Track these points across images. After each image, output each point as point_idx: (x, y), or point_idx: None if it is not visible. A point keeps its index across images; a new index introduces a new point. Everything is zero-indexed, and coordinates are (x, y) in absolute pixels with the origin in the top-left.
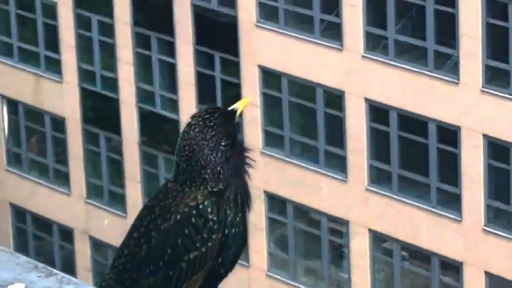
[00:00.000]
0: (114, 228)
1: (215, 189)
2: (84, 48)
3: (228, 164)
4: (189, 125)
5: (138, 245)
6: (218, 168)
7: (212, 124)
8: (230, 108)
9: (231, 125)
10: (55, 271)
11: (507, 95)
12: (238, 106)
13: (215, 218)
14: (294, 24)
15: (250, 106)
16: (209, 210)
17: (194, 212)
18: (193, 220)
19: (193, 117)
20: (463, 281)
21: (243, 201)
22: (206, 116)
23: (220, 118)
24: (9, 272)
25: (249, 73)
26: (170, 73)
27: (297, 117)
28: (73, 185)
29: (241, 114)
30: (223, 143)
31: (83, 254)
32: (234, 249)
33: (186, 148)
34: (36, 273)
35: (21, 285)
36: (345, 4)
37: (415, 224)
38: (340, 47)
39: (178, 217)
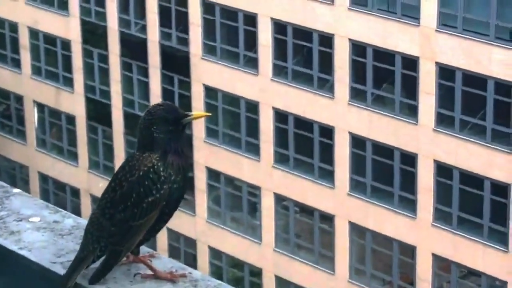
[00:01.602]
0: None
1: (160, 156)
2: (88, 70)
3: (169, 141)
4: (144, 114)
5: (114, 191)
6: (160, 143)
7: (153, 112)
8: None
9: (169, 116)
10: (59, 209)
11: (365, 107)
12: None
13: (165, 175)
14: (226, 57)
15: (198, 111)
16: (161, 169)
17: (152, 170)
18: (150, 175)
19: (146, 110)
20: (335, 227)
21: (182, 166)
22: (151, 109)
23: (160, 110)
24: (29, 210)
25: (197, 89)
26: (144, 88)
27: (227, 118)
28: (80, 160)
29: (195, 119)
30: (161, 128)
31: (86, 205)
32: (175, 197)
33: (141, 129)
34: (47, 210)
35: (37, 218)
36: (260, 45)
37: (304, 190)
38: (256, 73)
39: (141, 173)
